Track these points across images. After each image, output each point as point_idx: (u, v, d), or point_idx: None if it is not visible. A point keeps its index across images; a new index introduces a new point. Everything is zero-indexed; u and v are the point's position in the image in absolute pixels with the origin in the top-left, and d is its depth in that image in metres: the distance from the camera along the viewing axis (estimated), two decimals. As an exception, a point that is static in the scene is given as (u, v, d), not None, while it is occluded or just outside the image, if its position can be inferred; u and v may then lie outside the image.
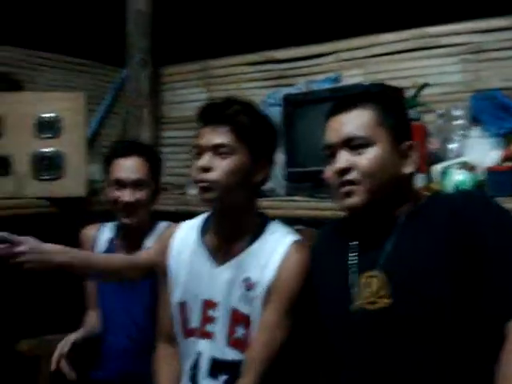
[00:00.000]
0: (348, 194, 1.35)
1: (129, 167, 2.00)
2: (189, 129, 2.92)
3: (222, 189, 1.49)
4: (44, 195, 2.46)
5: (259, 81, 2.93)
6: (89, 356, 2.07)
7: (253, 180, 1.55)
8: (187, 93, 3.21)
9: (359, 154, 1.34)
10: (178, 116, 3.16)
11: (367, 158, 1.33)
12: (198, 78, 3.16)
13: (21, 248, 1.50)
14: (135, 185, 2.00)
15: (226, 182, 1.49)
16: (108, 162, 2.05)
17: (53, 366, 1.87)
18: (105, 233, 2.15)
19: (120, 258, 1.91)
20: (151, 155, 2.09)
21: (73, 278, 2.15)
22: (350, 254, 1.42)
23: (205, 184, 1.50)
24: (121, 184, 2.00)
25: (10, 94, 2.47)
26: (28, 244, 1.51)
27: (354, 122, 1.36)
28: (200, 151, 1.53)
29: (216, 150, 1.49)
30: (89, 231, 2.17)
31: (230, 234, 1.59)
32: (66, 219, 2.49)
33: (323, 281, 1.48)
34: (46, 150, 2.43)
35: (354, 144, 1.35)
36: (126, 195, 1.99)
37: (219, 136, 1.50)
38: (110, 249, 2.11)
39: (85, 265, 1.65)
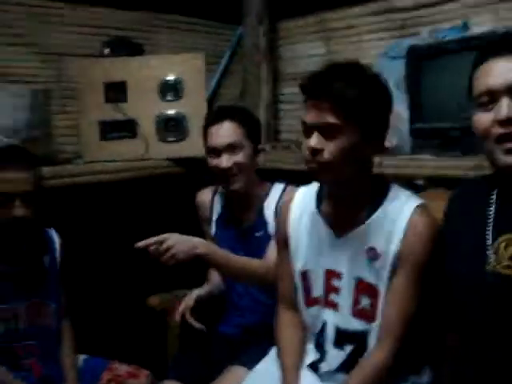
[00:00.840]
0: None
1: (221, 133, 1.97)
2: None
3: (333, 170, 1.44)
4: (169, 156, 2.54)
5: (379, 32, 2.78)
6: (214, 311, 2.14)
7: (365, 155, 1.49)
8: (305, 47, 3.12)
9: None
10: (297, 72, 3.07)
11: None
12: (316, 31, 3.06)
13: (168, 243, 1.70)
14: (230, 149, 1.95)
15: (336, 163, 1.43)
16: (204, 131, 2.03)
17: (177, 318, 1.98)
18: (221, 196, 2.15)
19: (258, 263, 1.89)
20: (244, 117, 2.04)
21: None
22: (488, 215, 1.35)
23: (315, 166, 1.46)
24: (216, 151, 1.97)
25: (132, 59, 2.53)
26: (172, 238, 1.71)
27: None
28: (307, 129, 1.47)
29: (323, 129, 1.42)
30: (204, 195, 2.19)
31: (348, 204, 1.55)
32: (191, 179, 2.55)
33: (458, 240, 1.42)
34: (170, 112, 2.49)
35: None
36: (223, 161, 1.95)
37: (325, 115, 1.41)
38: (223, 214, 2.12)
39: (223, 262, 1.83)
